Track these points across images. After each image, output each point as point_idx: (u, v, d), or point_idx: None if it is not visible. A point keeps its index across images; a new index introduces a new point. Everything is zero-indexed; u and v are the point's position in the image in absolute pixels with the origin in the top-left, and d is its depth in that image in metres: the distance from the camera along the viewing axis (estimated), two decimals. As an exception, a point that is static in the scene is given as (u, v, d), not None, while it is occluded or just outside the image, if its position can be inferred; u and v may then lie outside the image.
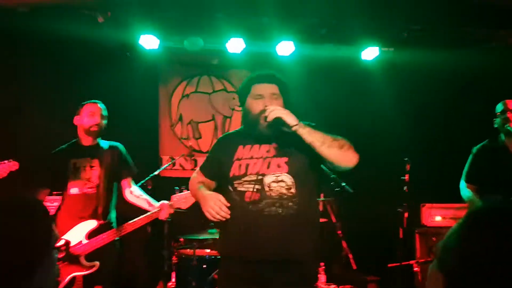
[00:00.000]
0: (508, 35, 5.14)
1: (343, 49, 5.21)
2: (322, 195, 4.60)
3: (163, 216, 3.71)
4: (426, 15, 4.65)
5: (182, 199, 3.75)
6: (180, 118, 5.89)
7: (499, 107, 3.77)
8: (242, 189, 2.53)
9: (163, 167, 4.97)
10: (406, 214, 4.36)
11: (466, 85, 5.51)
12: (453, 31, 4.95)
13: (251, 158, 2.57)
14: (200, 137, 5.92)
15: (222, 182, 2.70)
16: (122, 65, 5.28)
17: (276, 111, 2.44)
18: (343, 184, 4.05)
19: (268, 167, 2.52)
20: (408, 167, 4.36)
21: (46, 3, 4.44)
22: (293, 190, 2.49)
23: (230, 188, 2.59)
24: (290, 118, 2.44)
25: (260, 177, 2.50)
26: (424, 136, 5.65)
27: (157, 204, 3.77)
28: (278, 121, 2.43)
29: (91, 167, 3.66)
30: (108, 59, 5.25)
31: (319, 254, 2.68)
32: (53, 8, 4.46)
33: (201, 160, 5.90)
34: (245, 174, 2.54)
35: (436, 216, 5.23)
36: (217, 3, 4.45)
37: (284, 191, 2.48)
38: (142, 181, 4.45)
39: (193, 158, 5.72)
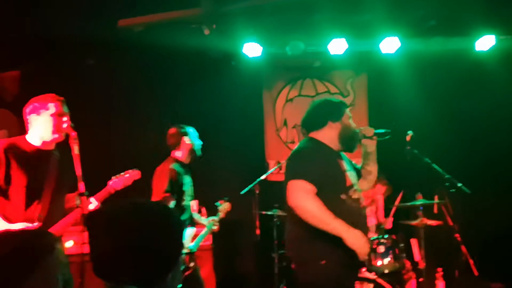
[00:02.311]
0: None
1: (455, 40, 4.88)
2: (436, 197, 4.37)
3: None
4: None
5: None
6: (285, 123, 5.94)
7: None
8: (356, 196, 2.78)
9: (269, 171, 5.05)
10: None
11: None
12: None
13: (348, 169, 2.86)
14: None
15: (329, 191, 2.68)
16: (227, 73, 5.47)
17: (369, 129, 2.99)
18: (459, 184, 3.80)
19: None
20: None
21: (158, 21, 4.73)
22: None
23: (344, 196, 2.74)
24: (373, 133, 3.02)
25: (356, 187, 2.83)
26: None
27: None
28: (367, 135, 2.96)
29: None
30: (214, 68, 5.47)
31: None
32: (164, 25, 4.74)
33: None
34: (353, 184, 2.81)
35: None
36: (317, 4, 4.43)
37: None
38: (250, 186, 4.57)
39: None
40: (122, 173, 3.28)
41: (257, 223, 4.62)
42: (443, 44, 4.93)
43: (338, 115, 2.89)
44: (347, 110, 2.98)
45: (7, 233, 1.56)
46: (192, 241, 3.83)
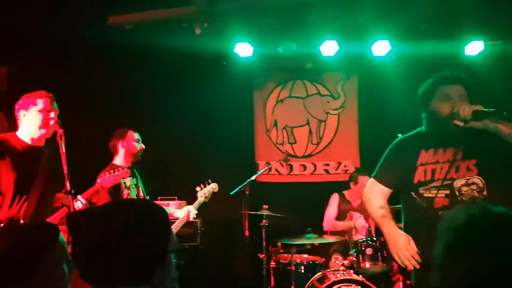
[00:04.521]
0: None
1: (445, 45, 4.92)
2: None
3: None
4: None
5: None
6: (275, 124, 5.93)
7: None
8: (430, 195, 2.47)
9: (259, 172, 5.04)
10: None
11: None
12: None
13: (437, 162, 2.50)
14: (295, 142, 5.92)
15: (401, 189, 2.61)
16: (218, 73, 5.46)
17: (469, 107, 2.35)
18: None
19: (457, 170, 2.45)
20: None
21: (148, 19, 4.69)
22: (485, 193, 2.41)
23: (414, 194, 2.52)
24: (483, 109, 2.34)
25: (449, 181, 2.44)
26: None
27: None
28: (475, 115, 2.31)
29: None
30: (205, 68, 5.45)
31: None
32: (154, 24, 4.70)
33: (296, 165, 5.96)
34: (431, 180, 2.48)
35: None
36: (309, 6, 4.43)
37: (476, 194, 2.41)
38: (240, 186, 4.55)
39: (288, 163, 5.73)
40: (111, 171, 3.27)
41: (246, 223, 4.60)
42: (434, 48, 4.97)
43: (424, 102, 2.61)
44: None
45: (13, 225, 1.58)
46: None
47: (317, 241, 4.36)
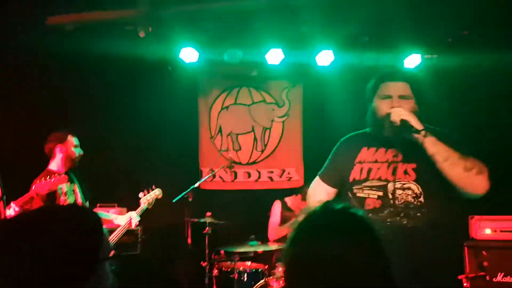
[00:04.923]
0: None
1: (385, 57, 5.10)
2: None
3: None
4: (471, 19, 4.50)
5: None
6: (220, 130, 5.91)
7: None
8: (362, 195, 2.31)
9: (203, 179, 4.99)
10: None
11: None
12: (500, 33, 4.75)
13: (375, 162, 2.34)
14: (240, 149, 5.92)
15: (341, 188, 2.47)
16: (163, 78, 5.38)
17: (401, 113, 2.22)
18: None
19: (393, 173, 2.27)
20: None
21: (90, 21, 4.55)
22: (421, 200, 2.21)
23: (349, 194, 2.37)
24: (415, 122, 2.20)
25: (383, 183, 2.28)
26: (471, 146, 5.43)
27: None
28: (404, 124, 2.19)
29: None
30: (149, 73, 5.35)
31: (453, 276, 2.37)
32: (97, 26, 4.57)
33: (241, 172, 5.96)
34: (366, 179, 2.32)
35: (486, 228, 4.99)
36: (255, 14, 4.45)
37: (411, 199, 2.21)
38: (183, 193, 4.49)
39: (233, 170, 5.71)
40: (47, 177, 3.14)
41: (189, 231, 4.54)
42: (375, 60, 5.13)
43: (369, 99, 2.49)
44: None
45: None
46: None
47: (260, 249, 4.36)
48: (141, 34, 4.56)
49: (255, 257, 4.55)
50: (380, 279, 1.06)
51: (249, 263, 4.42)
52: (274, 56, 5.08)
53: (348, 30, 4.70)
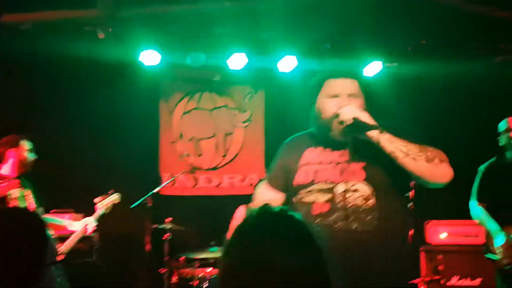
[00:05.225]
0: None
1: (346, 64, 5.19)
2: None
3: None
4: (431, 29, 4.65)
5: None
6: (181, 135, 5.83)
7: (503, 126, 3.78)
8: (308, 199, 2.15)
9: (163, 184, 4.90)
10: (411, 232, 4.27)
11: (472, 99, 5.46)
12: (458, 45, 4.93)
13: (321, 163, 2.17)
14: (201, 154, 5.86)
15: (288, 193, 2.28)
16: (123, 80, 5.26)
17: (352, 111, 2.04)
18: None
19: (341, 173, 2.11)
20: (412, 184, 4.29)
21: (47, 20, 4.42)
22: (373, 202, 2.06)
23: (295, 199, 2.21)
24: (369, 119, 2.04)
25: (330, 185, 2.11)
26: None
27: None
28: (355, 123, 2.03)
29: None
30: (108, 75, 5.23)
31: (406, 281, 2.24)
32: (54, 25, 4.44)
33: (202, 177, 5.89)
34: (312, 182, 2.14)
35: (441, 233, 5.14)
36: (219, 18, 4.43)
37: (360, 202, 2.06)
38: (142, 199, 4.39)
39: (194, 175, 5.65)
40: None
41: (148, 237, 4.44)
42: (336, 67, 5.19)
43: (313, 97, 2.30)
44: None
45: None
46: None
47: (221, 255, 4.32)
48: (101, 35, 4.46)
49: (216, 264, 4.50)
50: (315, 284, 1.03)
51: (209, 269, 4.37)
52: (237, 61, 5.07)
53: (311, 36, 4.76)
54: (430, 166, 2.04)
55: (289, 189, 2.23)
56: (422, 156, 2.04)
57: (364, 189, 2.07)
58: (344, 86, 2.18)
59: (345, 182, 2.08)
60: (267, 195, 2.32)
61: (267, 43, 4.83)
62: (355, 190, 2.07)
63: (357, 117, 2.03)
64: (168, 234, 4.33)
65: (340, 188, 2.09)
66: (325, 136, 2.19)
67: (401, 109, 5.31)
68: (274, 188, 2.33)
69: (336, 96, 2.16)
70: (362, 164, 2.11)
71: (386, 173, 2.11)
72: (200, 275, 4.21)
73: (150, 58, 4.90)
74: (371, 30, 4.57)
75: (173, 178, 5.09)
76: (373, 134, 2.03)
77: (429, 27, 4.63)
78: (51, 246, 1.27)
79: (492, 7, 4.37)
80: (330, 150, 2.19)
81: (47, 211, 3.97)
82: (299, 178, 2.18)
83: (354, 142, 2.10)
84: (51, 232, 3.50)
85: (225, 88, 5.94)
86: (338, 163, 2.14)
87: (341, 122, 2.07)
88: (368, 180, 2.09)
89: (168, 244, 4.30)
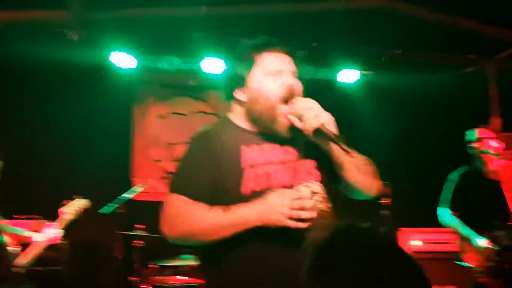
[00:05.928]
0: (481, 61, 5.28)
1: (323, 72, 5.22)
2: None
3: None
4: (405, 40, 4.72)
5: None
6: (155, 140, 5.74)
7: (473, 135, 3.80)
8: None
9: (136, 189, 4.81)
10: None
11: (442, 109, 5.56)
12: (430, 56, 5.03)
13: (270, 163, 1.71)
14: (176, 159, 5.77)
15: (222, 203, 1.66)
16: (95, 85, 5.15)
17: (323, 114, 1.66)
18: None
19: (295, 174, 1.72)
20: (388, 191, 4.32)
21: (17, 21, 4.32)
22: (330, 206, 1.67)
23: None
24: (333, 127, 1.67)
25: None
26: (401, 159, 5.64)
27: None
28: (321, 130, 1.65)
29: None
30: (80, 79, 5.12)
31: None
32: (25, 26, 4.33)
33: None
34: (268, 188, 1.65)
35: (413, 240, 5.18)
36: (194, 23, 4.40)
37: (322, 205, 1.64)
38: (112, 205, 4.31)
39: (168, 181, 5.56)
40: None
41: (119, 245, 4.35)
42: (313, 74, 5.23)
43: (241, 77, 1.80)
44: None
45: None
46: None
47: (194, 262, 4.25)
48: (73, 37, 4.38)
49: (189, 271, 4.43)
50: None
51: (182, 277, 4.30)
52: (212, 66, 5.03)
53: (287, 43, 4.76)
54: (372, 181, 1.82)
55: (233, 198, 1.66)
56: (369, 170, 1.82)
57: (320, 190, 1.67)
58: (285, 61, 1.78)
59: (305, 185, 1.65)
60: (198, 212, 1.71)
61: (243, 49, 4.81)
62: (316, 192, 1.64)
63: (325, 124, 1.66)
64: (139, 241, 4.24)
65: (305, 191, 1.63)
66: (263, 128, 1.74)
67: (372, 116, 5.39)
68: (194, 199, 1.72)
69: (278, 73, 1.73)
70: (313, 163, 1.77)
71: (333, 174, 1.77)
72: (171, 284, 4.14)
73: (123, 61, 4.83)
74: (347, 39, 4.61)
75: (146, 184, 4.99)
76: (335, 147, 1.68)
77: (402, 38, 4.71)
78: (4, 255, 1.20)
79: (458, 17, 4.46)
80: (269, 145, 1.75)
81: (9, 217, 3.82)
82: (249, 183, 1.67)
83: (300, 136, 1.71)
84: (8, 241, 3.39)
85: (201, 92, 5.89)
86: (288, 161, 1.73)
87: (291, 118, 1.68)
88: (323, 180, 1.74)
89: (139, 252, 4.21)
